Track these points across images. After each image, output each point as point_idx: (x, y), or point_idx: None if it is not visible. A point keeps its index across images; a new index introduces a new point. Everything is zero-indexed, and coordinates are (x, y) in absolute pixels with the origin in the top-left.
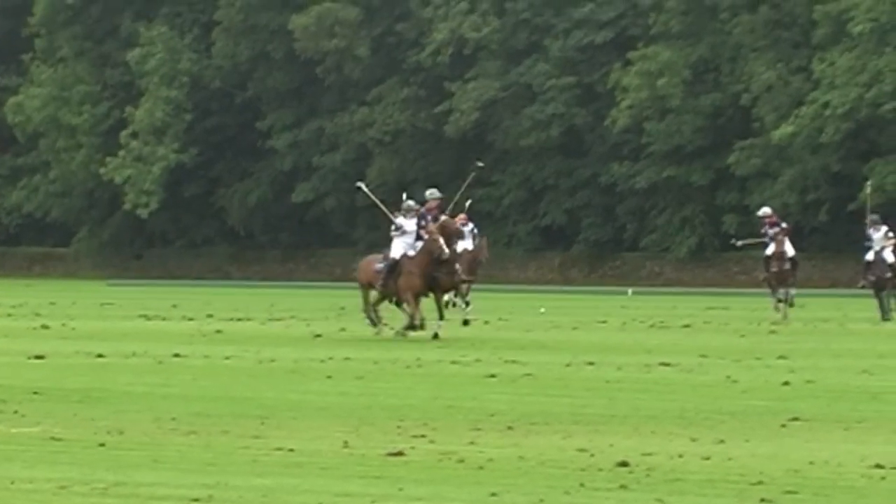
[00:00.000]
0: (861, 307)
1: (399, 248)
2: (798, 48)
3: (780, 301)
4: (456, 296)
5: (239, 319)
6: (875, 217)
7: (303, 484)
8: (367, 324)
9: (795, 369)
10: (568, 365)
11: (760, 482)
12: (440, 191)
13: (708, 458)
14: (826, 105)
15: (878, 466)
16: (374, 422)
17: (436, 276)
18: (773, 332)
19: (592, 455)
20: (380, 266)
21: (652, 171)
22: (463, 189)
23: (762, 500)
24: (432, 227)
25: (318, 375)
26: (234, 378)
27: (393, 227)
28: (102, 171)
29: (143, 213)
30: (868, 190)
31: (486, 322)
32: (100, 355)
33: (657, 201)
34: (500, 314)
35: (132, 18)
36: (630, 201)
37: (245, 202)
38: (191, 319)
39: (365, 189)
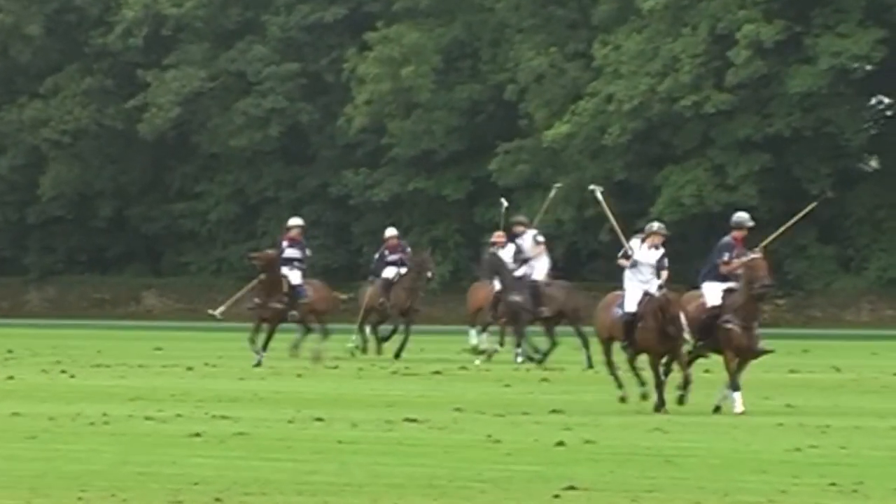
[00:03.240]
0: None
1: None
2: (575, 29)
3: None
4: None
5: None
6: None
7: None
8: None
9: (572, 426)
10: (291, 421)
11: None
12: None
13: None
14: (609, 99)
15: None
16: (50, 492)
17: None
18: (545, 380)
19: None
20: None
21: (395, 181)
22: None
23: None
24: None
25: None
26: None
27: (620, 254)
28: None
29: None
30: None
31: (190, 369)
32: None
33: (401, 218)
34: (206, 359)
35: None
36: (368, 218)
37: None
38: None
39: (599, 196)
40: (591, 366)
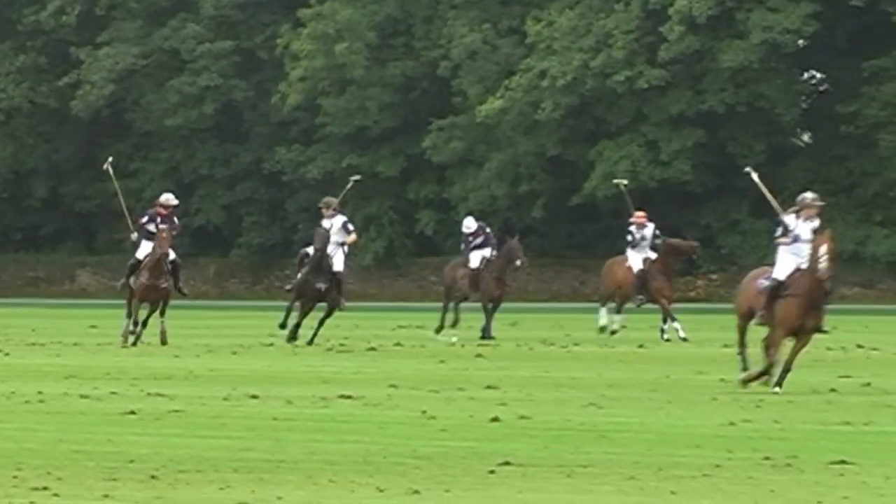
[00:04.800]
0: (587, 325)
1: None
2: (508, 5)
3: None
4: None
5: None
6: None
7: None
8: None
9: (507, 402)
10: (226, 399)
11: None
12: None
13: None
14: (543, 75)
15: None
16: None
17: None
18: (479, 356)
19: None
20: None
21: (328, 157)
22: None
23: None
24: None
25: None
26: None
27: (779, 233)
28: None
29: None
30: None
31: (125, 346)
32: None
33: (335, 195)
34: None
35: None
36: (302, 195)
37: None
38: None
39: (755, 177)
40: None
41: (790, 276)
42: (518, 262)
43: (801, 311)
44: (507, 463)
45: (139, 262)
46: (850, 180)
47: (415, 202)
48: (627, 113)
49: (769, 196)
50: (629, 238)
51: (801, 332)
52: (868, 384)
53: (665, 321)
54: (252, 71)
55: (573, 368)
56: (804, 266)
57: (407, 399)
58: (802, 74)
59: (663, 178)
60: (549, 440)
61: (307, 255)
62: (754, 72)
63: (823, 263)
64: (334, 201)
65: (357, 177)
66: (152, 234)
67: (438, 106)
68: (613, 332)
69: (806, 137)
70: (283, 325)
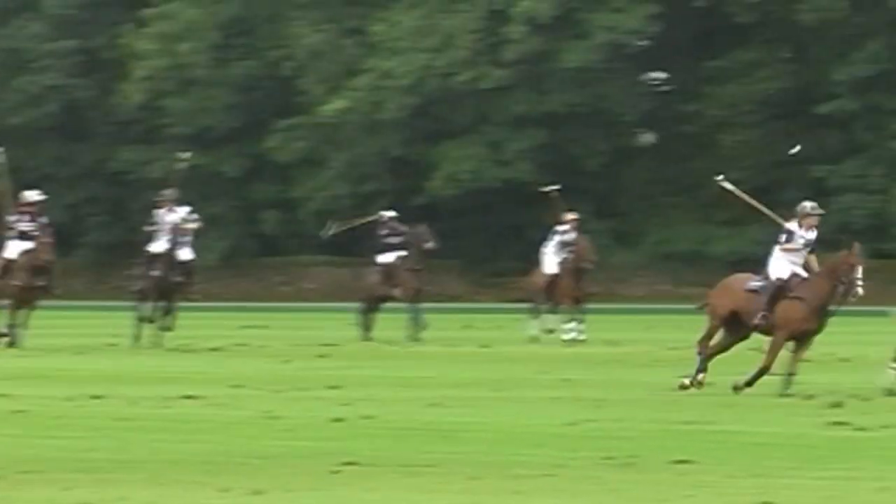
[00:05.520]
0: (435, 324)
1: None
2: (352, 6)
3: None
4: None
5: None
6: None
7: None
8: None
9: (351, 402)
10: (69, 399)
11: None
12: None
13: None
14: (386, 75)
15: None
16: None
17: None
18: (322, 356)
19: None
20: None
21: (172, 157)
22: None
23: None
24: None
25: None
26: None
27: (784, 240)
28: None
29: None
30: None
31: None
32: None
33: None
34: None
35: None
36: (146, 195)
37: None
38: None
39: (729, 186)
40: None
41: (792, 279)
42: (428, 245)
43: (805, 314)
44: (350, 463)
45: (9, 261)
46: (691, 180)
47: (258, 203)
48: (470, 113)
49: (751, 201)
50: (554, 239)
51: (804, 336)
52: (712, 383)
53: (570, 322)
54: (95, 70)
55: (417, 368)
56: (801, 271)
57: (250, 399)
58: (645, 75)
59: (506, 179)
60: (393, 440)
61: (153, 253)
62: (597, 72)
63: (859, 285)
64: (173, 194)
65: (187, 154)
66: (24, 233)
67: (282, 106)
68: (551, 331)
69: (649, 137)
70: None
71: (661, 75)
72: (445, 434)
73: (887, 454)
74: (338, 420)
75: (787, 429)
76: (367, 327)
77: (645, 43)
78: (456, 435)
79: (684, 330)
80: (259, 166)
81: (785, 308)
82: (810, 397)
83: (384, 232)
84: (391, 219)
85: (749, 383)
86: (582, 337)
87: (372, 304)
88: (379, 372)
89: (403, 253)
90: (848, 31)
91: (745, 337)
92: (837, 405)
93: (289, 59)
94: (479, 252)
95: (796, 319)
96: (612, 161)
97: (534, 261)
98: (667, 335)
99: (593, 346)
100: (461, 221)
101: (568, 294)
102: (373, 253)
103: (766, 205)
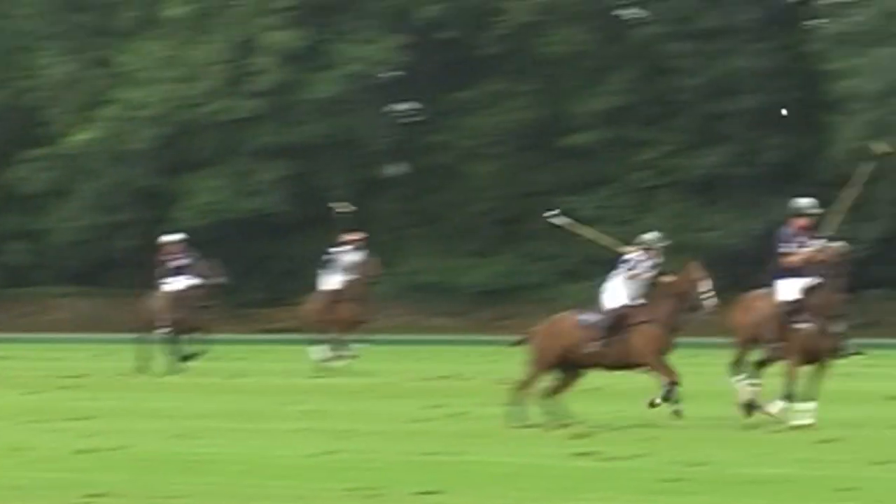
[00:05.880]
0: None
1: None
2: (99, 36)
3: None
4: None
5: None
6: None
7: None
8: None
9: (98, 433)
10: None
11: None
12: None
13: None
14: (133, 105)
15: None
16: None
17: None
18: (68, 387)
19: None
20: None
21: None
22: None
23: None
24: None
25: None
26: None
27: (630, 267)
28: None
29: None
30: None
31: None
32: None
33: None
34: None
35: None
36: None
37: None
38: None
39: (562, 220)
40: None
41: (634, 307)
42: (219, 280)
43: (660, 334)
44: (98, 495)
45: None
46: (440, 210)
47: (4, 233)
48: (219, 143)
49: (587, 232)
50: (333, 261)
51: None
52: (462, 413)
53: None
54: None
55: (165, 399)
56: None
57: None
58: (392, 105)
59: (253, 209)
60: (140, 471)
61: None
62: (344, 103)
63: (710, 298)
64: None
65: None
66: None
67: (28, 136)
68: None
69: (403, 168)
70: None
71: (411, 106)
72: (192, 465)
73: (636, 484)
74: (85, 451)
75: (535, 459)
76: (144, 357)
77: (395, 73)
78: (203, 466)
79: (433, 361)
80: (5, 197)
81: (642, 332)
82: (560, 427)
83: (169, 258)
84: (179, 242)
85: (666, 398)
86: (341, 363)
87: (150, 333)
88: (127, 403)
89: (194, 281)
90: (593, 63)
91: (579, 375)
92: (585, 435)
93: (35, 90)
94: (226, 283)
95: (655, 340)
96: (361, 192)
97: (305, 289)
98: (415, 366)
99: (342, 376)
100: (209, 252)
101: (347, 317)
102: (159, 278)
103: (520, 235)
